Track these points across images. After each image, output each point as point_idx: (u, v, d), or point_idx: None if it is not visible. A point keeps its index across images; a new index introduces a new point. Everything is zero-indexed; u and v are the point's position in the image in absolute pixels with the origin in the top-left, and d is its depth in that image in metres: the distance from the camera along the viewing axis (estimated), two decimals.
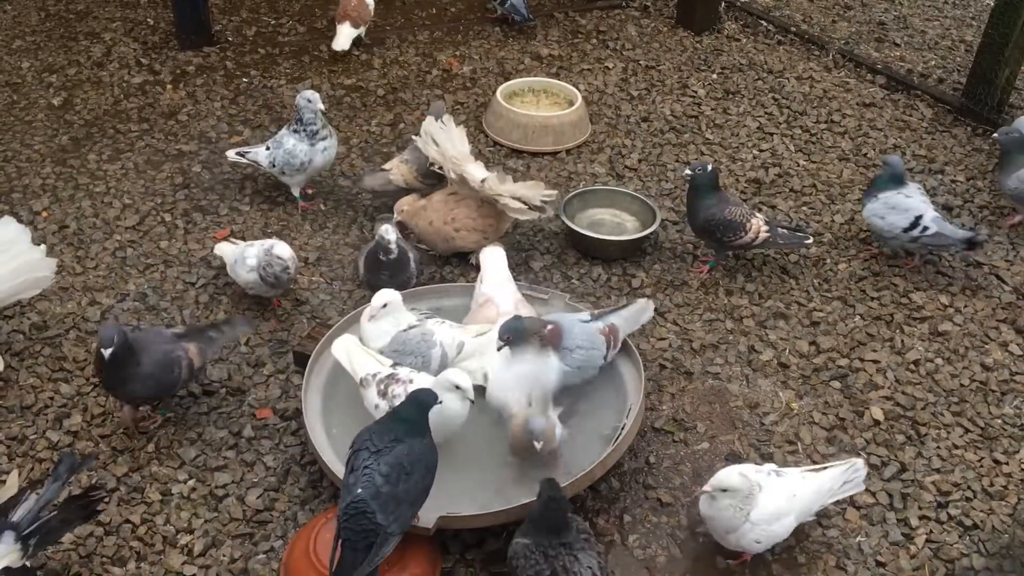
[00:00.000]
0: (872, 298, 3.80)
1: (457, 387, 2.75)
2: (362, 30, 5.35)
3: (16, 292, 3.29)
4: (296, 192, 4.10)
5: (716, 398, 3.35)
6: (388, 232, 3.46)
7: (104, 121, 4.72)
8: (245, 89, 5.02)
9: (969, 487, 3.05)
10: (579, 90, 4.90)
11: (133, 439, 3.09)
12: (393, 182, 4.03)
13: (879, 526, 2.93)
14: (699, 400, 3.34)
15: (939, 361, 3.52)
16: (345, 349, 3.06)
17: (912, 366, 3.50)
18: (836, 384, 3.41)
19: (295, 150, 3.95)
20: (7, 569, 2.40)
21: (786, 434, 3.22)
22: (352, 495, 2.42)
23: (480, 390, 3.01)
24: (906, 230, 3.78)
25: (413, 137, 3.98)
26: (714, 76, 5.35)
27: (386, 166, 4.09)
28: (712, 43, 5.70)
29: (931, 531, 2.92)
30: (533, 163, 4.57)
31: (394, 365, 2.98)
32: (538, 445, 2.71)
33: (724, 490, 2.62)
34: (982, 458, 3.16)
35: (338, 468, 2.74)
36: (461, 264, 3.87)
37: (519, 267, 3.84)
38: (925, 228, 3.76)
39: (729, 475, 2.63)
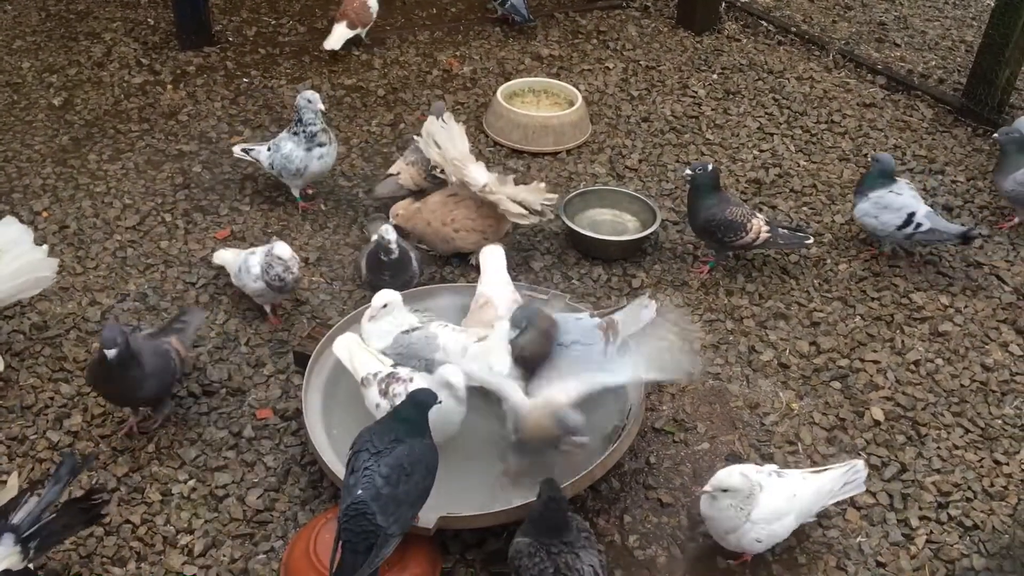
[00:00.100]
0: (872, 298, 3.80)
1: (449, 384, 2.75)
2: (361, 32, 5.35)
3: (18, 292, 3.29)
4: (296, 193, 4.10)
5: (716, 398, 3.35)
6: (388, 232, 3.45)
7: (104, 121, 4.72)
8: (245, 89, 5.02)
9: (969, 487, 3.05)
10: (579, 90, 4.90)
11: (133, 439, 3.09)
12: (404, 186, 4.03)
13: (879, 526, 2.93)
14: (699, 400, 3.34)
15: (939, 361, 3.52)
16: (346, 347, 3.06)
17: (912, 366, 3.50)
18: (836, 384, 3.41)
19: (291, 155, 3.94)
20: (7, 572, 2.39)
21: (786, 434, 3.22)
22: (352, 496, 2.42)
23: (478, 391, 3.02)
24: (900, 228, 3.79)
25: (415, 137, 3.98)
26: (714, 76, 5.35)
27: (392, 171, 4.09)
28: (712, 43, 5.70)
29: (931, 531, 2.92)
30: (533, 163, 4.57)
31: (395, 365, 2.98)
32: (583, 440, 2.69)
33: (725, 490, 2.62)
34: (982, 458, 3.16)
35: (338, 468, 2.74)
36: (461, 264, 3.87)
37: (519, 267, 3.84)
38: (919, 225, 3.77)
39: (730, 475, 2.63)
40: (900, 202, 3.80)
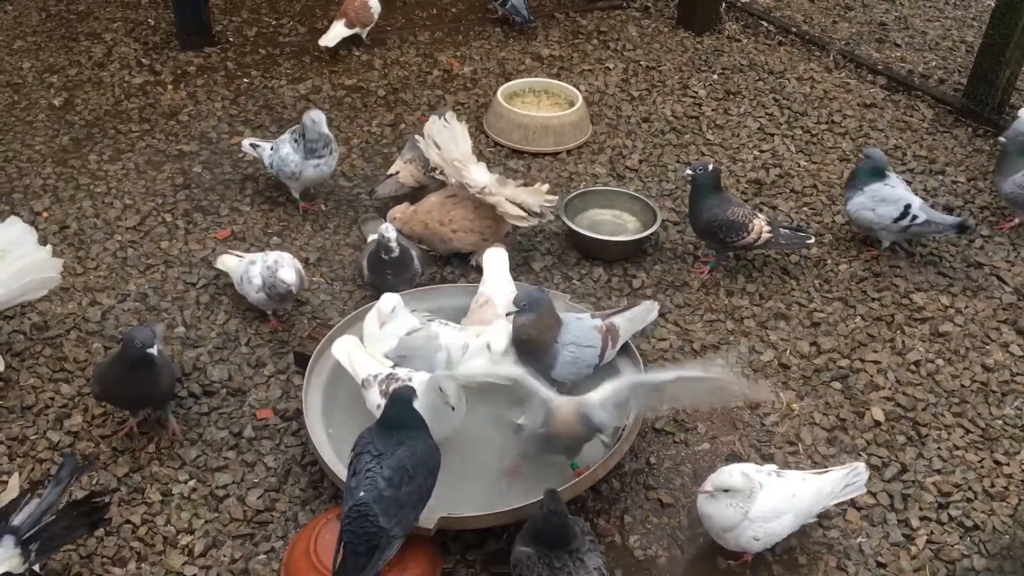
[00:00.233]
0: (873, 299, 3.80)
1: (440, 390, 2.74)
2: (361, 32, 5.34)
3: (22, 293, 3.27)
4: (296, 194, 4.10)
5: None
6: (388, 230, 3.45)
7: (105, 121, 4.72)
8: (246, 89, 5.02)
9: (970, 488, 3.05)
10: (580, 91, 4.90)
11: (134, 439, 3.09)
12: (405, 184, 4.03)
13: (880, 527, 2.93)
14: None
15: (940, 362, 3.52)
16: (346, 350, 3.06)
17: (913, 367, 3.50)
18: (837, 385, 3.41)
19: (287, 159, 3.95)
20: (7, 575, 2.38)
21: (787, 435, 3.22)
22: (355, 499, 2.42)
23: (477, 393, 3.02)
24: (896, 220, 3.80)
25: (416, 137, 3.99)
26: (715, 77, 5.35)
27: (392, 170, 4.09)
28: (713, 44, 5.70)
29: (932, 532, 2.92)
30: (534, 164, 4.57)
31: (394, 365, 2.98)
32: (606, 439, 2.66)
33: (726, 490, 2.62)
34: (983, 459, 3.16)
35: (339, 468, 2.74)
36: (462, 264, 3.87)
37: (520, 268, 3.84)
38: (915, 217, 3.78)
39: (731, 475, 2.63)
40: (896, 194, 3.82)
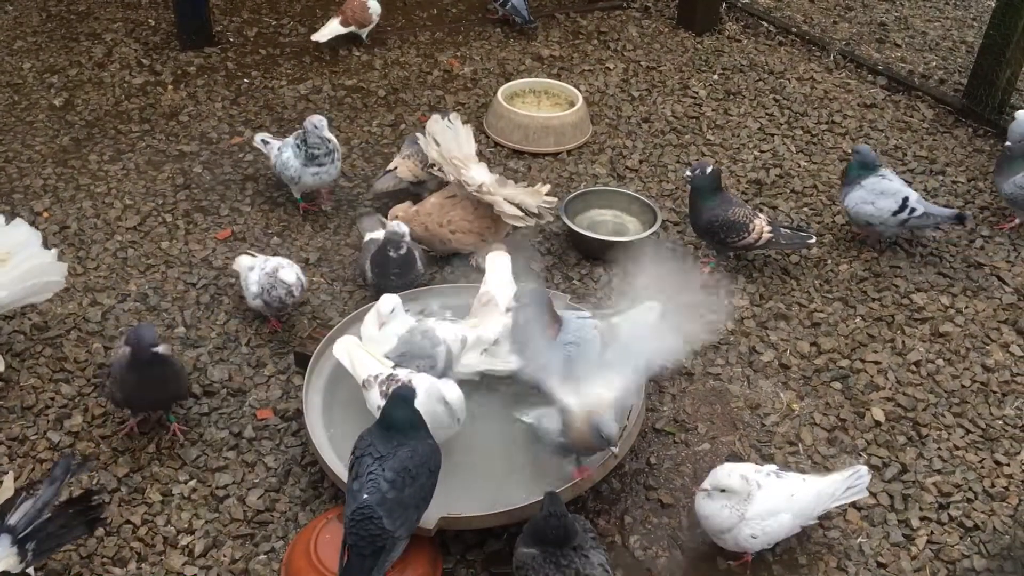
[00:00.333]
0: (873, 299, 3.80)
1: (445, 402, 2.74)
2: (360, 32, 5.35)
3: (26, 296, 3.26)
4: (296, 194, 4.10)
5: (717, 399, 3.35)
6: (400, 226, 3.45)
7: (105, 122, 4.72)
8: (246, 90, 5.02)
9: (970, 488, 3.05)
10: (580, 91, 4.90)
11: (134, 440, 3.09)
12: (403, 180, 4.03)
13: (880, 527, 2.93)
14: (700, 401, 3.34)
15: (940, 362, 3.52)
16: (346, 350, 3.06)
17: (913, 367, 3.50)
18: (837, 385, 3.41)
19: (288, 163, 3.94)
20: (5, 574, 2.38)
21: (787, 435, 3.22)
22: (358, 501, 2.42)
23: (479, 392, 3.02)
24: (895, 213, 3.81)
25: (418, 135, 3.99)
26: (715, 77, 5.35)
27: (390, 166, 4.09)
28: (713, 44, 5.70)
29: (932, 532, 2.92)
30: (534, 164, 4.57)
31: (395, 366, 2.98)
32: (614, 450, 2.64)
33: (723, 490, 2.62)
34: (983, 459, 3.15)
35: (339, 469, 2.74)
36: (462, 265, 3.87)
37: (520, 268, 3.83)
38: (913, 210, 3.80)
39: (729, 476, 2.63)
40: (894, 187, 3.85)
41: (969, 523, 2.95)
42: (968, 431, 3.25)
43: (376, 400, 2.85)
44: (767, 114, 5.01)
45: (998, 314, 3.75)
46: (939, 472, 3.10)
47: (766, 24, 5.90)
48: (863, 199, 3.86)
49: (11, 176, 4.30)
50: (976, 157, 4.70)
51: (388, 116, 4.85)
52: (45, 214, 4.07)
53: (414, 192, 4.10)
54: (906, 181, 4.28)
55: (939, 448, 3.19)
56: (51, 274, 3.30)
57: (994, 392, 3.40)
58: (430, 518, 2.58)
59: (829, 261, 3.99)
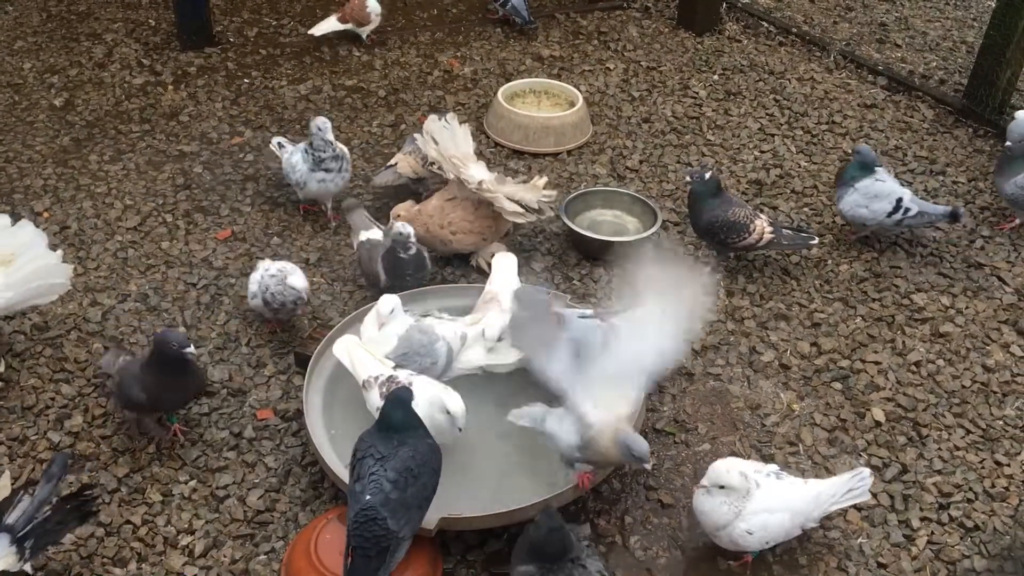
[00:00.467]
0: (873, 299, 3.80)
1: (447, 411, 2.74)
2: (356, 30, 5.36)
3: (30, 297, 3.26)
4: (301, 196, 4.08)
5: (717, 399, 3.35)
6: (405, 227, 3.44)
7: (105, 122, 4.72)
8: (246, 90, 5.02)
9: (971, 488, 3.05)
10: (580, 91, 4.90)
11: (134, 440, 3.09)
12: (402, 175, 4.03)
13: (880, 527, 2.93)
14: (700, 401, 3.34)
15: (940, 362, 3.52)
16: (347, 350, 3.06)
17: (913, 367, 3.50)
18: (837, 385, 3.41)
19: (295, 167, 3.90)
20: (4, 573, 2.39)
21: (787, 435, 3.22)
22: (361, 503, 2.42)
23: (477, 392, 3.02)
24: (889, 215, 3.83)
25: (416, 136, 3.98)
26: (715, 77, 5.35)
27: (391, 162, 4.10)
28: (713, 44, 5.70)
29: (932, 532, 2.92)
30: (534, 164, 4.57)
31: (395, 367, 2.97)
32: (648, 466, 2.62)
33: (721, 487, 2.62)
34: (983, 460, 3.15)
35: (340, 469, 2.74)
36: (462, 265, 3.87)
37: (521, 268, 3.83)
38: (907, 210, 3.82)
39: (728, 472, 2.63)
40: (888, 189, 3.86)
41: (969, 523, 2.95)
42: (968, 431, 3.25)
43: (376, 401, 2.85)
44: (767, 114, 5.01)
45: (998, 314, 3.75)
46: (939, 472, 3.10)
47: (766, 24, 5.90)
48: (857, 203, 3.87)
49: (11, 176, 4.30)
50: (976, 157, 4.70)
51: (388, 116, 4.85)
52: (45, 214, 4.07)
53: (413, 189, 4.10)
54: (906, 181, 4.32)
55: (939, 448, 3.19)
56: (56, 276, 3.29)
57: (994, 392, 3.40)
58: (430, 518, 2.58)
59: (829, 261, 3.99)
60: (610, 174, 4.50)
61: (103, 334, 3.49)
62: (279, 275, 3.32)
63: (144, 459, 3.03)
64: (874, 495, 2.99)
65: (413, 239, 3.45)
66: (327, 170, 3.87)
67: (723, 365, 3.47)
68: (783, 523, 2.68)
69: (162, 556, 2.77)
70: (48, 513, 2.52)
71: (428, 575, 2.62)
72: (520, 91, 4.95)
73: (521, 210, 3.70)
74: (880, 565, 2.82)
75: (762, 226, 3.71)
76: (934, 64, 5.56)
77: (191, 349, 2.85)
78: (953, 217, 3.87)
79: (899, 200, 3.83)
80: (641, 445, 2.54)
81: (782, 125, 4.93)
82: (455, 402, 2.75)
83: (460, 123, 3.92)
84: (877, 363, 3.50)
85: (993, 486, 3.06)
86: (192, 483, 2.97)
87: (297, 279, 3.33)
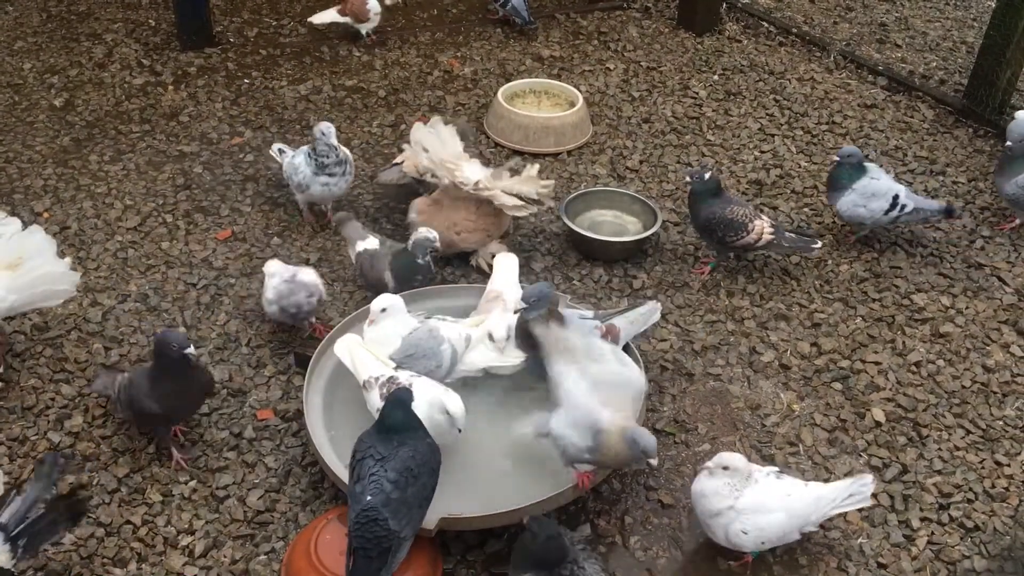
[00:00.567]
0: (873, 299, 3.80)
1: (447, 412, 2.74)
2: (355, 25, 5.38)
3: (33, 301, 3.26)
4: (303, 208, 4.04)
5: (717, 399, 3.35)
6: (430, 232, 3.44)
7: (105, 122, 4.73)
8: (246, 90, 5.02)
9: (971, 489, 3.05)
10: (580, 91, 4.90)
11: (134, 440, 3.09)
12: (407, 173, 4.03)
13: (880, 528, 2.93)
14: (700, 402, 3.34)
15: (940, 363, 3.52)
16: (348, 349, 3.06)
17: (913, 367, 3.50)
18: (837, 385, 3.41)
19: (298, 168, 3.87)
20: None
21: (787, 435, 3.22)
22: (362, 504, 2.42)
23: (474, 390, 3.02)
24: (887, 212, 3.87)
25: (405, 146, 3.99)
26: (715, 77, 5.35)
27: (397, 160, 4.10)
28: (713, 44, 5.70)
29: (932, 533, 2.92)
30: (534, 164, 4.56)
31: (397, 368, 2.97)
32: (653, 462, 2.60)
33: (725, 468, 2.62)
34: (983, 460, 3.15)
35: (340, 469, 2.74)
36: (462, 265, 3.87)
37: (521, 268, 3.83)
38: (903, 206, 3.85)
39: (732, 455, 2.65)
40: (884, 187, 3.88)
41: (969, 524, 2.95)
42: (968, 432, 3.25)
43: (376, 401, 2.85)
44: (767, 114, 5.01)
45: (998, 315, 3.75)
46: (939, 473, 3.10)
47: (766, 24, 5.90)
48: (855, 203, 3.88)
49: (11, 176, 4.30)
50: (976, 157, 4.70)
51: (388, 117, 4.85)
52: (45, 214, 4.07)
53: (416, 189, 4.10)
54: (906, 182, 4.33)
55: (939, 449, 3.18)
56: (61, 283, 3.29)
57: (994, 393, 3.40)
58: (430, 518, 2.58)
59: (829, 261, 3.99)
60: (610, 174, 4.50)
61: (103, 334, 3.49)
62: (292, 279, 3.31)
63: (144, 459, 3.03)
64: (874, 495, 2.98)
65: (438, 244, 3.43)
66: (330, 174, 3.86)
67: (723, 365, 3.48)
68: (779, 523, 2.67)
69: (162, 556, 2.77)
70: (41, 512, 2.53)
71: (428, 575, 2.62)
72: (520, 91, 4.95)
73: (521, 203, 3.70)
74: (880, 565, 2.82)
75: (762, 226, 3.71)
76: (934, 64, 5.56)
77: (191, 350, 2.84)
78: (948, 213, 3.91)
79: (895, 197, 3.86)
80: (649, 440, 2.54)
81: (782, 125, 4.93)
82: (455, 403, 2.75)
83: (444, 124, 3.92)
84: (877, 363, 3.50)
85: (993, 486, 3.06)
86: (192, 483, 2.97)
87: (309, 275, 3.32)
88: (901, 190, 3.89)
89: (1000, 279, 3.92)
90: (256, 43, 5.49)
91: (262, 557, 2.77)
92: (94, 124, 4.71)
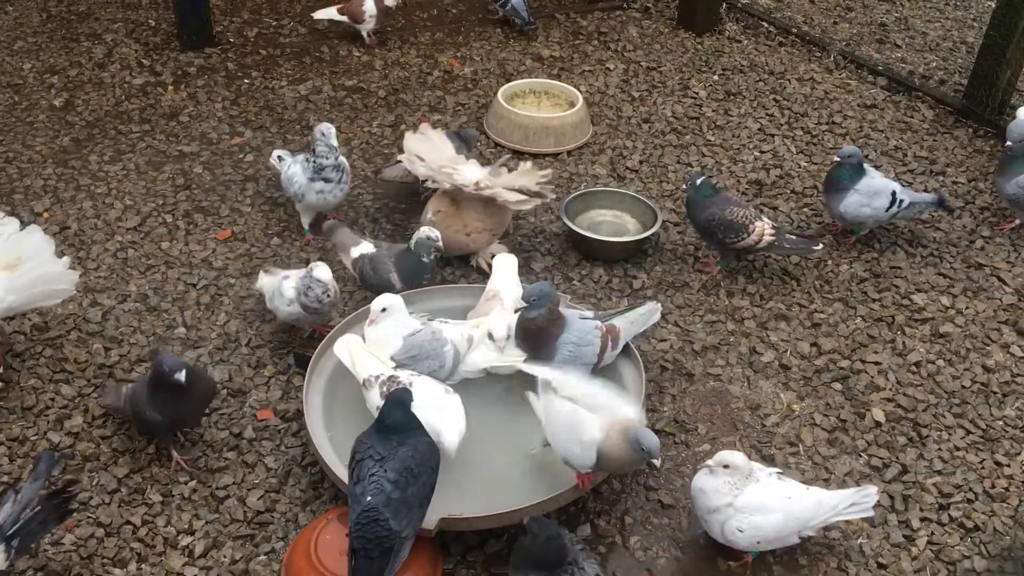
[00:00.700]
0: (873, 300, 3.80)
1: (440, 440, 2.71)
2: (353, 25, 5.38)
3: (32, 301, 3.26)
4: (305, 222, 3.98)
5: (717, 400, 3.35)
6: (433, 231, 3.42)
7: (105, 122, 4.72)
8: (246, 90, 5.02)
9: (971, 489, 3.05)
10: (580, 91, 4.90)
11: (134, 440, 3.09)
12: (411, 172, 4.03)
13: (880, 528, 2.93)
14: (700, 402, 3.34)
15: (940, 363, 3.52)
16: (348, 349, 3.06)
17: (913, 368, 3.50)
18: (837, 386, 3.41)
19: (294, 177, 3.84)
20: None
21: (787, 436, 3.22)
22: (362, 504, 2.42)
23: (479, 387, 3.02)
24: (887, 208, 3.90)
25: (399, 156, 3.98)
26: (715, 77, 5.35)
27: (401, 156, 4.09)
28: (713, 44, 5.70)
29: (932, 533, 2.92)
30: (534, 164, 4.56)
31: (396, 367, 2.97)
32: (657, 463, 2.60)
33: (726, 466, 2.62)
34: (983, 460, 3.15)
35: (340, 469, 2.74)
36: (462, 265, 3.87)
37: (521, 268, 3.83)
38: (901, 201, 3.90)
39: (733, 453, 2.65)
40: (882, 185, 3.91)
41: (969, 524, 2.95)
42: (968, 432, 3.25)
43: (376, 400, 2.85)
44: (767, 115, 5.01)
45: (998, 315, 3.75)
46: (939, 473, 3.10)
47: (766, 25, 5.90)
48: (860, 203, 3.88)
49: (11, 176, 4.30)
50: (976, 158, 4.70)
51: (388, 117, 4.85)
52: (45, 214, 4.07)
53: (417, 189, 4.10)
54: (907, 182, 4.35)
55: (939, 449, 3.19)
56: (60, 283, 3.29)
57: (994, 393, 3.40)
58: (430, 519, 2.58)
59: (829, 262, 3.99)
60: (610, 174, 4.50)
61: (103, 334, 3.49)
62: (308, 278, 3.28)
63: (144, 459, 3.03)
64: None
65: (440, 242, 3.44)
66: (326, 180, 3.80)
67: (723, 365, 3.48)
68: (776, 524, 2.67)
69: (162, 556, 2.77)
70: (35, 512, 2.53)
71: (428, 575, 2.62)
72: (520, 91, 4.95)
73: (524, 197, 3.70)
74: (880, 565, 2.82)
75: (763, 228, 3.70)
76: (934, 64, 5.57)
77: (182, 376, 2.78)
78: (940, 203, 3.95)
79: (894, 193, 3.89)
80: (651, 439, 2.54)
81: (782, 125, 4.93)
82: (449, 432, 2.70)
83: (433, 128, 3.92)
84: (877, 363, 3.50)
85: (993, 486, 3.06)
86: (192, 483, 2.97)
87: (323, 271, 3.28)
88: (897, 187, 3.92)
89: (1000, 279, 3.92)
90: (256, 43, 5.49)
91: (262, 557, 2.77)
92: (94, 124, 4.71)
